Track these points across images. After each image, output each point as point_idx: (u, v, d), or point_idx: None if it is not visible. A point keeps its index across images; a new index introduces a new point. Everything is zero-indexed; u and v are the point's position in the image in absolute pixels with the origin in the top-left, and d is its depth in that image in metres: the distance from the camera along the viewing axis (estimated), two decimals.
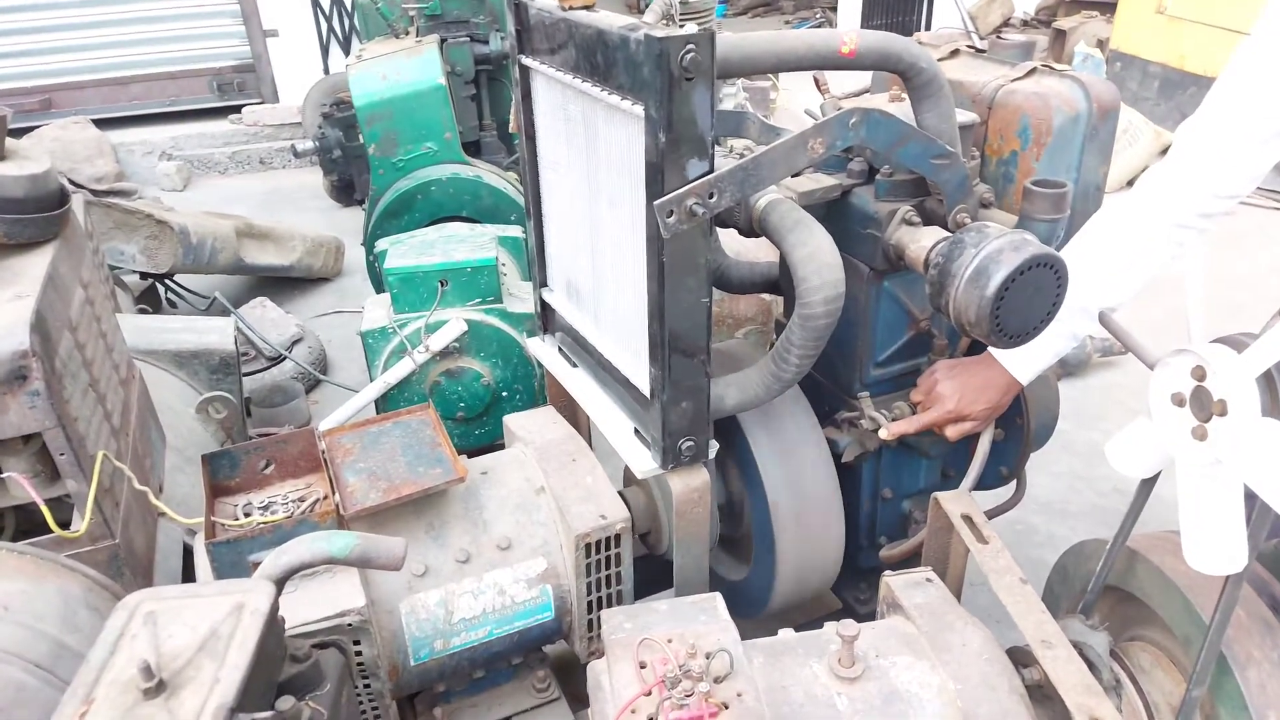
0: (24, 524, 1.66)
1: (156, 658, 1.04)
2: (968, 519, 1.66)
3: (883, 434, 1.85)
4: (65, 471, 1.57)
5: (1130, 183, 5.50)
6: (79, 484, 1.59)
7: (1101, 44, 7.04)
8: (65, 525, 1.59)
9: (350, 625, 1.48)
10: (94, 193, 3.98)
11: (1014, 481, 2.08)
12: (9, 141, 1.73)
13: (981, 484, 1.94)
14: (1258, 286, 4.36)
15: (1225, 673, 1.45)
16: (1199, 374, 1.28)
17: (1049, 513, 3.03)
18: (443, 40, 3.90)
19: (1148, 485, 1.54)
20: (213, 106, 7.09)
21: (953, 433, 1.83)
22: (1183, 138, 1.57)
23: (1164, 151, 5.82)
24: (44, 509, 1.54)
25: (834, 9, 9.55)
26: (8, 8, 6.43)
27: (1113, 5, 7.08)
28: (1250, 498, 1.26)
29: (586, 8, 1.57)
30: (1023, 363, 1.76)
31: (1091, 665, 1.52)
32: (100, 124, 6.55)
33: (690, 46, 1.30)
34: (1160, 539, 1.66)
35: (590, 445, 1.93)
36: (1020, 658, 1.47)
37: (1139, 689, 1.60)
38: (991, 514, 1.94)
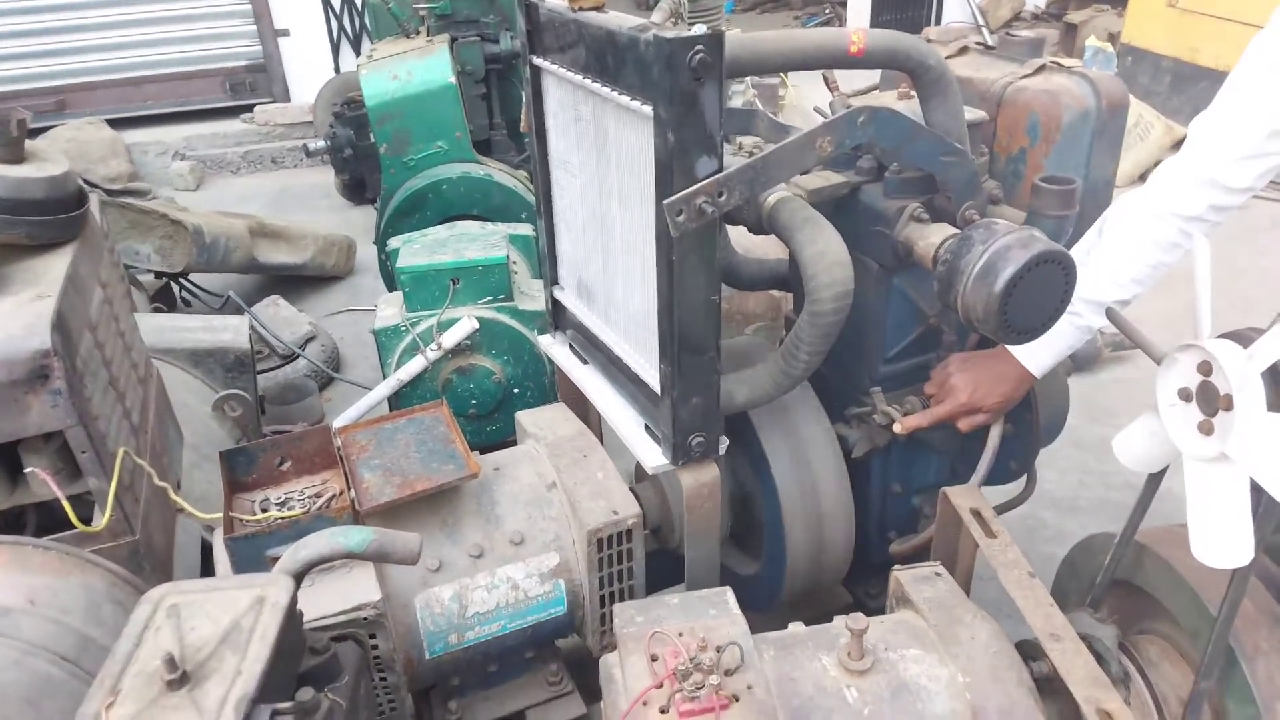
0: (44, 520, 1.69)
1: (180, 650, 1.06)
2: (976, 513, 1.67)
3: (896, 428, 1.86)
4: (86, 469, 1.60)
5: (1142, 177, 5.49)
6: (100, 481, 1.61)
7: (1112, 38, 7.01)
8: (86, 522, 1.61)
9: (366, 619, 1.50)
10: (108, 193, 4.00)
11: (1024, 476, 2.09)
12: (26, 143, 1.76)
13: (991, 479, 1.95)
14: (1270, 281, 4.35)
15: (1233, 665, 1.46)
16: (1205, 369, 1.29)
17: (1059, 508, 3.03)
18: (453, 40, 3.92)
19: (1155, 479, 1.55)
20: (225, 106, 7.13)
21: (965, 425, 1.83)
22: (1195, 132, 1.57)
23: (1176, 145, 5.80)
24: (66, 505, 1.57)
25: (843, 4, 9.51)
26: (23, 9, 6.49)
27: None
28: (1256, 491, 1.27)
29: (597, 8, 1.58)
30: (1036, 355, 1.76)
31: (1100, 658, 1.53)
32: (114, 124, 6.60)
33: (699, 48, 1.32)
34: (1168, 533, 1.66)
35: (601, 441, 1.95)
36: (1029, 651, 1.48)
37: (1147, 681, 1.60)
38: (1002, 509, 1.95)
